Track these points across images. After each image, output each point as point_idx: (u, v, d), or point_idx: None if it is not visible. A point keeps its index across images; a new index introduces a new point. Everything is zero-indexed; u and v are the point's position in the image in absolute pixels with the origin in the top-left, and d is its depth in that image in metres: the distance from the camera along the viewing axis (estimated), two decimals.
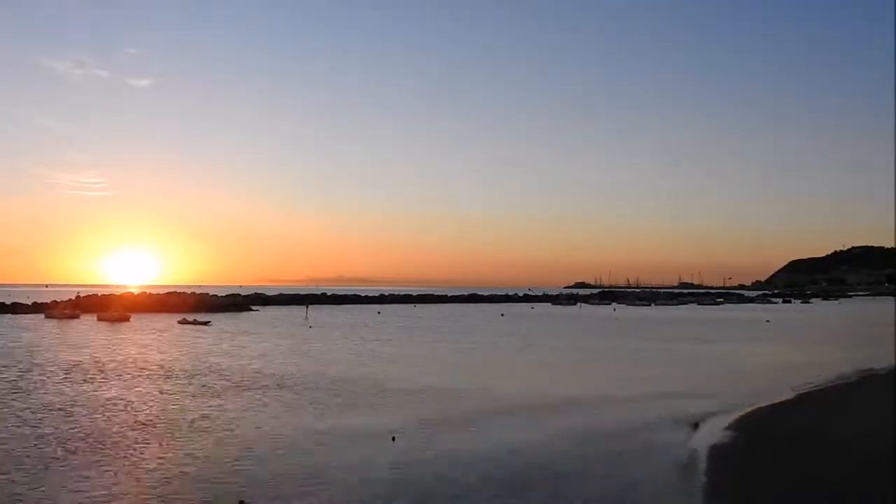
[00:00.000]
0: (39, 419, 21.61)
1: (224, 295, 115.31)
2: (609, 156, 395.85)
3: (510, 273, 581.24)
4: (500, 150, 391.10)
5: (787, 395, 26.78)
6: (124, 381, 29.72)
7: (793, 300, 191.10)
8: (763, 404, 24.39)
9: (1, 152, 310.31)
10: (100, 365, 34.93)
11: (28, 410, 22.93)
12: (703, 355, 43.30)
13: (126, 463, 16.58)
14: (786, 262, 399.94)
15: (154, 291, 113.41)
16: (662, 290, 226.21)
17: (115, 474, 15.64)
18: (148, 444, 18.57)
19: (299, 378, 30.61)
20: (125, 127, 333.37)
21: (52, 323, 71.28)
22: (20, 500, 13.74)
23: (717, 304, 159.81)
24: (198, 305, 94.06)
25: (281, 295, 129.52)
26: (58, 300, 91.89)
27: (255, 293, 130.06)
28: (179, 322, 69.55)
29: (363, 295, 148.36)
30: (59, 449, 17.87)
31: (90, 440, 18.93)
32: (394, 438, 18.90)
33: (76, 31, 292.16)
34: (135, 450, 17.86)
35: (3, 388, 27.26)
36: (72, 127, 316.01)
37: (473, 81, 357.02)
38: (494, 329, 68.81)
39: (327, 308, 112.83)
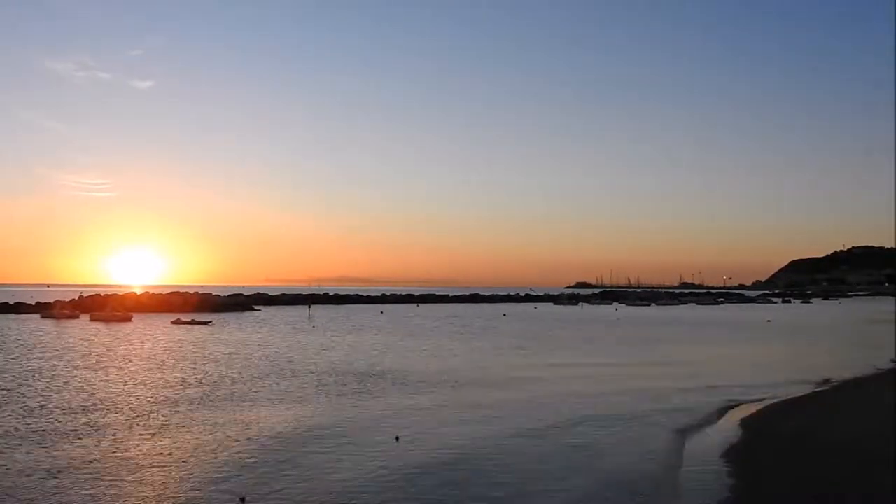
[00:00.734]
0: (34, 415, 21.69)
1: (226, 295, 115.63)
2: (610, 156, 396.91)
3: (511, 273, 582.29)
4: (501, 150, 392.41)
5: (788, 394, 26.89)
6: (127, 379, 29.68)
7: (793, 300, 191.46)
8: (763, 404, 24.50)
9: (5, 153, 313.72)
10: (99, 363, 34.96)
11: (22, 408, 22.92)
12: (707, 355, 43.35)
13: (127, 460, 16.62)
14: (786, 262, 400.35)
15: (157, 291, 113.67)
16: (663, 290, 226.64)
17: (117, 472, 15.74)
18: (150, 441, 18.61)
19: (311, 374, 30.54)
20: (128, 128, 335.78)
21: (49, 323, 70.79)
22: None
23: (718, 303, 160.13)
24: (200, 305, 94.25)
25: (283, 295, 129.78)
26: (60, 300, 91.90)
27: (258, 293, 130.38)
28: (173, 322, 68.77)
29: (365, 295, 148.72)
30: (58, 447, 17.99)
31: (89, 437, 19.14)
32: (397, 438, 18.95)
33: (78, 34, 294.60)
34: (136, 447, 17.91)
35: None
36: (75, 128, 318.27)
37: (475, 82, 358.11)
38: (517, 330, 68.69)
39: (329, 308, 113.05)
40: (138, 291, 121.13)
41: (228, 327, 65.42)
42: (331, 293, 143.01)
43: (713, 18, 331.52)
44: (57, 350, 42.34)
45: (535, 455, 17.29)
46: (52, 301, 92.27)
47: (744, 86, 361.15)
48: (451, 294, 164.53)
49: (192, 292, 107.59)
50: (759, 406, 24.09)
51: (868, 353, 43.47)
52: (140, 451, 17.54)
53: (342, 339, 52.08)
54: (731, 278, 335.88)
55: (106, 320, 73.30)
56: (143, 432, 19.60)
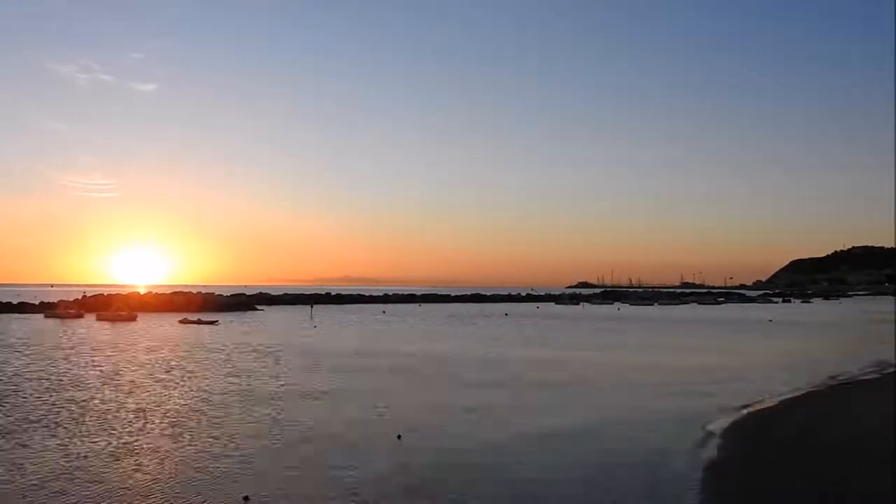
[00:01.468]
0: (42, 412, 21.87)
1: (229, 294, 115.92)
2: (611, 156, 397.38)
3: (513, 273, 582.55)
4: (503, 151, 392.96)
5: (788, 394, 26.93)
6: (133, 377, 29.75)
7: (793, 300, 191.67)
8: (764, 404, 24.53)
9: (9, 154, 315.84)
10: (109, 364, 35.05)
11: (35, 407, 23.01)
12: (711, 354, 43.20)
13: (131, 458, 16.83)
14: (787, 262, 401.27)
15: (160, 291, 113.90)
16: (664, 290, 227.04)
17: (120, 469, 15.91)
18: (154, 439, 18.81)
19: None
20: (132, 130, 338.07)
21: (53, 323, 71.01)
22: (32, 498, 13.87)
23: (719, 303, 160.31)
24: (204, 305, 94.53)
25: (286, 295, 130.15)
26: (64, 300, 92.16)
27: (260, 293, 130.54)
28: (181, 322, 69.18)
29: (367, 295, 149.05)
30: (66, 442, 18.24)
31: (92, 433, 19.40)
32: (399, 437, 18.99)
33: (80, 38, 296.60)
34: (140, 445, 18.11)
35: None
36: (79, 130, 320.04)
37: (477, 84, 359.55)
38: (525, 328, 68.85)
39: (332, 308, 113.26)
40: (142, 291, 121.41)
41: (235, 326, 65.60)
42: (333, 293, 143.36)
43: (714, 19, 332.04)
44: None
45: None
46: (55, 301, 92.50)
47: (744, 87, 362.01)
48: (452, 294, 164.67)
49: (195, 292, 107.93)
50: (760, 406, 24.11)
51: (868, 353, 43.59)
52: (148, 448, 17.80)
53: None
54: (732, 278, 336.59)
55: (111, 320, 73.63)
56: (157, 430, 19.79)
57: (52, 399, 24.74)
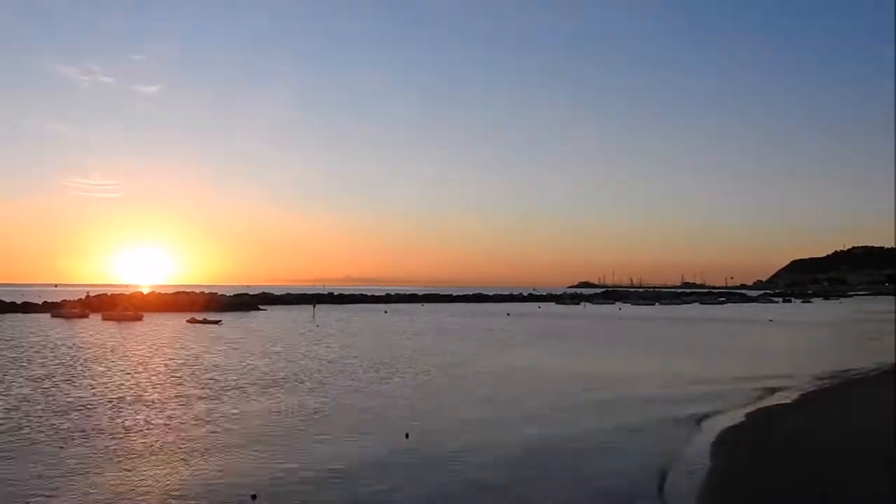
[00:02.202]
0: (62, 415, 21.93)
1: (232, 294, 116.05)
2: (612, 157, 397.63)
3: (514, 273, 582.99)
4: (504, 151, 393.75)
5: (789, 394, 26.92)
6: (139, 377, 29.73)
7: (794, 300, 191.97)
8: (764, 404, 24.56)
9: (12, 156, 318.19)
10: (116, 360, 34.96)
11: (51, 408, 23.04)
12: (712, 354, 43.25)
13: (137, 457, 16.94)
14: (787, 262, 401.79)
15: (164, 291, 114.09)
16: (665, 290, 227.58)
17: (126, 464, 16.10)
18: (162, 438, 18.91)
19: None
20: (134, 132, 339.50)
21: (62, 322, 71.22)
22: (43, 493, 13.99)
23: (720, 303, 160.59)
24: (207, 305, 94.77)
25: (288, 294, 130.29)
26: (67, 299, 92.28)
27: (263, 293, 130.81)
28: (189, 321, 69.64)
29: (370, 295, 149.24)
30: (78, 439, 18.47)
31: (99, 429, 19.70)
32: (407, 436, 18.97)
33: (82, 39, 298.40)
34: (147, 443, 18.21)
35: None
36: (81, 131, 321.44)
37: (479, 84, 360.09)
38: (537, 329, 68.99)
39: (334, 308, 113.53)
40: (145, 291, 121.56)
41: (239, 326, 65.82)
42: (335, 293, 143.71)
43: (714, 20, 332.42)
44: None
45: None
46: (59, 301, 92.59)
47: (745, 88, 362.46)
48: (454, 294, 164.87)
49: (197, 292, 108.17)
50: (760, 405, 24.16)
51: (868, 353, 43.67)
52: (157, 446, 18.00)
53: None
54: (733, 278, 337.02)
55: (117, 319, 73.80)
56: (165, 428, 20.01)
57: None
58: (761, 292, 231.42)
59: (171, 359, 37.70)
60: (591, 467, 16.05)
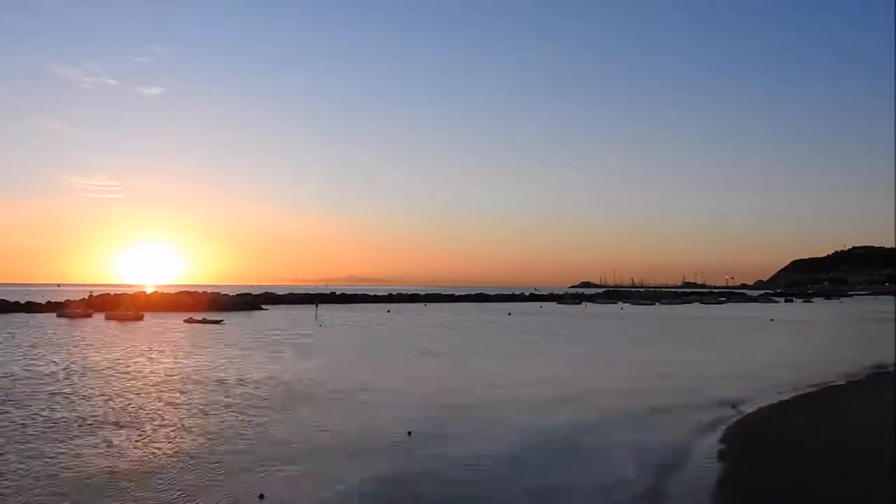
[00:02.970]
0: (66, 410, 22.17)
1: (235, 294, 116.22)
2: (613, 157, 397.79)
3: (516, 273, 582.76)
4: (505, 151, 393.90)
5: (788, 393, 26.94)
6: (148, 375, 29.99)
7: (794, 299, 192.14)
8: (764, 403, 24.61)
9: (16, 156, 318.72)
10: (128, 363, 35.23)
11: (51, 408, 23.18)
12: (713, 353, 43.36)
13: (145, 455, 17.15)
14: (787, 262, 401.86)
15: (167, 291, 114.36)
16: (666, 290, 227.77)
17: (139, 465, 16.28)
18: (172, 437, 19.08)
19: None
20: (137, 133, 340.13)
21: (66, 322, 71.63)
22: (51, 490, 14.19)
23: (720, 303, 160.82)
24: (210, 304, 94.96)
25: (291, 294, 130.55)
26: (71, 299, 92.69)
27: (265, 292, 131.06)
28: (186, 321, 69.50)
29: (372, 294, 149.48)
30: (88, 436, 18.72)
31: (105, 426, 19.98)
32: (410, 433, 19.17)
33: (84, 42, 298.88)
34: (155, 445, 18.33)
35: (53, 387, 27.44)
36: (85, 133, 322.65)
37: (481, 85, 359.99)
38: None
39: (336, 307, 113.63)
40: (148, 291, 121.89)
41: (242, 325, 66.06)
42: (338, 293, 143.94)
43: (715, 20, 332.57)
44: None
45: None
46: (62, 300, 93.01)
47: (745, 87, 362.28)
48: (456, 294, 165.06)
49: (201, 291, 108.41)
50: (761, 405, 24.20)
51: (868, 353, 43.82)
52: (164, 445, 18.19)
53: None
54: (733, 278, 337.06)
55: (120, 319, 74.14)
56: (171, 427, 20.25)
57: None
58: (762, 292, 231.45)
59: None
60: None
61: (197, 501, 13.50)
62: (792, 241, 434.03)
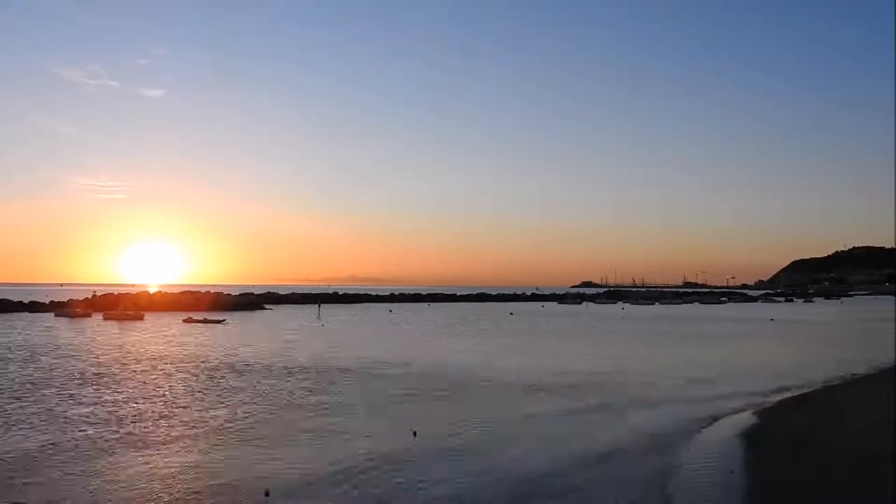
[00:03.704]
0: (65, 413, 22.18)
1: (237, 294, 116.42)
2: (614, 158, 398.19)
3: (518, 273, 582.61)
4: (507, 151, 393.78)
5: (788, 393, 26.97)
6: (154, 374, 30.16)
7: (795, 299, 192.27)
8: (764, 403, 24.65)
9: (19, 156, 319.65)
10: (130, 359, 35.51)
11: (53, 407, 23.36)
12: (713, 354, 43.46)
13: (151, 451, 17.36)
14: (788, 262, 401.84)
15: (171, 291, 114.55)
16: (667, 290, 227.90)
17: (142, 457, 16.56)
18: (177, 433, 19.34)
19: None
20: (140, 133, 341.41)
21: (63, 321, 71.73)
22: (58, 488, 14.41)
23: (721, 303, 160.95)
24: (212, 304, 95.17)
25: (293, 294, 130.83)
26: (73, 299, 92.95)
27: (268, 292, 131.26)
28: (185, 321, 69.40)
29: (374, 294, 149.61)
30: (91, 434, 18.90)
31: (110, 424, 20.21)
32: (415, 434, 19.23)
33: (86, 43, 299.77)
34: (161, 439, 18.65)
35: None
36: (88, 133, 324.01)
37: (482, 86, 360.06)
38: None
39: (339, 307, 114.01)
40: (152, 290, 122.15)
41: (243, 325, 66.25)
42: (340, 292, 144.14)
43: (714, 20, 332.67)
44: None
45: None
46: (65, 300, 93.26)
47: (745, 87, 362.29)
48: (458, 293, 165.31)
49: (203, 291, 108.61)
50: (761, 405, 24.22)
51: (868, 352, 43.89)
52: (168, 442, 18.39)
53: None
54: (734, 278, 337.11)
55: (119, 319, 74.21)
56: (175, 424, 20.45)
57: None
58: (763, 292, 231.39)
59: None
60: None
61: None
62: (792, 241, 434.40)
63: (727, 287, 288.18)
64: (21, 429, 19.80)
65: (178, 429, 20.02)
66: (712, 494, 14.13)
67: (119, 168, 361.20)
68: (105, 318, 74.96)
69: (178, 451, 17.43)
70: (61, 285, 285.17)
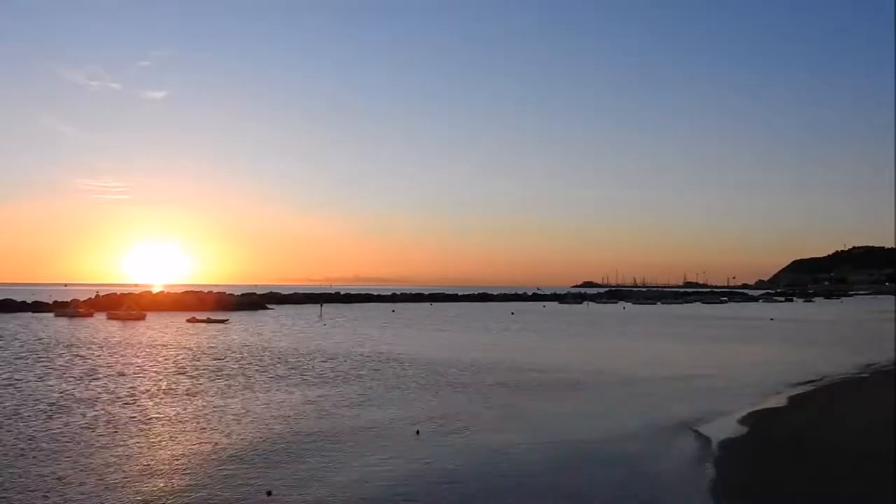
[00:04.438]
0: (58, 414, 22.17)
1: (240, 294, 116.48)
2: (615, 158, 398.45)
3: (519, 273, 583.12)
4: (508, 151, 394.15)
5: (789, 392, 27.10)
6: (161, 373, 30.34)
7: (795, 299, 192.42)
8: (764, 403, 24.69)
9: (23, 157, 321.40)
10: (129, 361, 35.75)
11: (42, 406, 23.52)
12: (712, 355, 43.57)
13: (157, 448, 17.62)
14: (788, 262, 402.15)
15: (173, 291, 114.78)
16: (668, 290, 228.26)
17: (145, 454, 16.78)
18: (182, 431, 19.58)
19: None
20: (143, 135, 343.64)
21: (64, 321, 71.84)
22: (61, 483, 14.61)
23: (722, 302, 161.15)
24: (214, 304, 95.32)
25: (295, 294, 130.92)
26: (76, 299, 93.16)
27: (270, 292, 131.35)
28: (189, 321, 69.59)
29: (376, 294, 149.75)
30: (90, 436, 19.06)
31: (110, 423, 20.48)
32: (418, 432, 19.36)
33: (88, 45, 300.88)
34: (165, 436, 18.97)
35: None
36: (91, 135, 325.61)
37: (483, 87, 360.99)
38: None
39: (341, 307, 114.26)
40: (155, 290, 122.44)
41: (245, 324, 66.56)
42: (342, 292, 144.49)
43: (715, 21, 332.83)
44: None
45: None
46: (69, 300, 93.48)
47: (746, 88, 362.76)
48: (460, 293, 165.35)
49: (206, 291, 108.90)
50: (761, 405, 24.34)
51: (868, 352, 44.10)
52: (173, 441, 18.58)
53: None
54: (734, 278, 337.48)
55: (121, 318, 74.38)
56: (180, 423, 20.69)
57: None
58: (763, 292, 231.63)
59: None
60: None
61: None
62: (792, 241, 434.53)
63: (728, 287, 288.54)
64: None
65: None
66: (712, 494, 14.13)
67: (121, 169, 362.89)
68: (108, 318, 75.22)
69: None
70: (65, 285, 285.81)
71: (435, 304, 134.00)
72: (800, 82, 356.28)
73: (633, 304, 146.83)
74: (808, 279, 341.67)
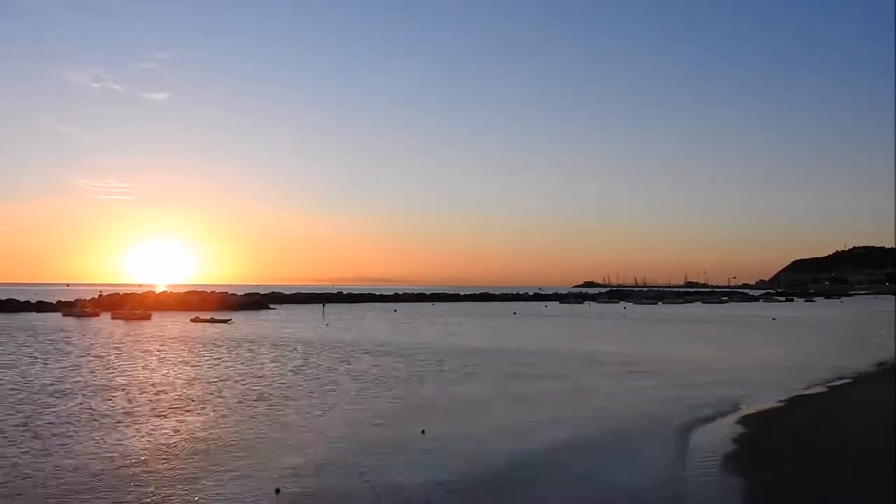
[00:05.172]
0: (88, 399, 22.91)
1: (243, 294, 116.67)
2: (615, 157, 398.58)
3: (520, 272, 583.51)
4: (509, 152, 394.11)
5: (789, 392, 27.13)
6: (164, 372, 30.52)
7: (796, 299, 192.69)
8: (763, 404, 24.68)
9: (27, 158, 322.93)
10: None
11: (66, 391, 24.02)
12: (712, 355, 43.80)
13: (163, 445, 17.89)
14: (789, 262, 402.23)
15: (177, 290, 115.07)
16: (669, 290, 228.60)
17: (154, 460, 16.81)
18: (188, 430, 19.82)
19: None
20: (145, 136, 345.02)
21: (72, 321, 72.25)
22: (69, 474, 15.00)
23: (723, 302, 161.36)
24: (218, 304, 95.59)
25: (298, 294, 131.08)
26: (80, 299, 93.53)
27: (273, 292, 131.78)
28: (192, 321, 69.84)
29: (378, 294, 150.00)
30: (98, 424, 19.61)
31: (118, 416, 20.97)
32: (423, 431, 19.45)
33: (89, 47, 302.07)
34: (174, 432, 19.31)
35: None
36: (93, 135, 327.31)
37: (486, 86, 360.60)
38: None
39: (343, 307, 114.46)
40: (158, 290, 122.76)
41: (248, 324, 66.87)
42: (344, 292, 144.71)
43: (716, 22, 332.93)
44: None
45: None
46: (72, 300, 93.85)
47: (746, 87, 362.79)
48: (462, 293, 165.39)
49: (209, 291, 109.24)
50: (762, 405, 24.38)
51: (868, 352, 44.35)
52: (180, 438, 18.92)
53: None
54: (735, 278, 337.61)
55: (126, 318, 74.76)
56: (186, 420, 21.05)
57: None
58: (764, 292, 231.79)
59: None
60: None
61: None
62: (793, 241, 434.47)
63: (728, 287, 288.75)
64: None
65: None
66: (712, 493, 14.30)
67: (124, 169, 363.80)
68: (113, 318, 75.61)
69: None
70: (67, 285, 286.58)
71: (437, 304, 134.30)
72: (800, 82, 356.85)
73: (634, 304, 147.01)
74: (808, 279, 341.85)
